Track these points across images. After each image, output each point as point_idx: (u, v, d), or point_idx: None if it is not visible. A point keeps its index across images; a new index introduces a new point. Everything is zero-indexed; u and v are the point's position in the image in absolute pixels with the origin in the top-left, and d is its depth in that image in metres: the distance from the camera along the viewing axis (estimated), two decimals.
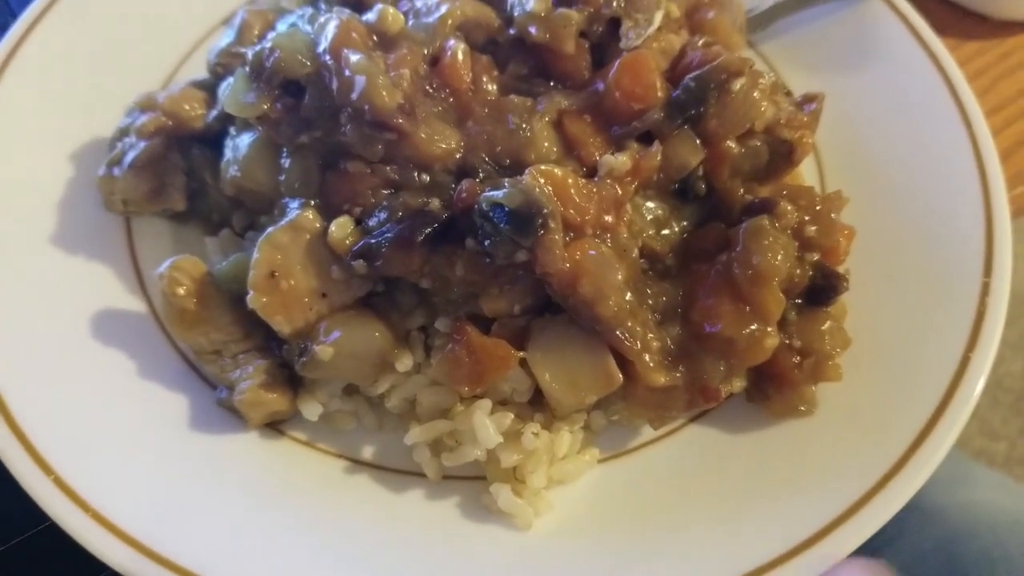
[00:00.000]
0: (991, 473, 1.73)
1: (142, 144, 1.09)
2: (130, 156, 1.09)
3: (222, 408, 1.01)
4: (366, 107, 0.93)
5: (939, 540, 1.32)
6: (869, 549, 0.90)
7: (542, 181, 0.91)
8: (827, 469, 0.97)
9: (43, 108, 1.18)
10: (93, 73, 1.22)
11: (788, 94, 1.13)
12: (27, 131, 1.15)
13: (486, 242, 0.90)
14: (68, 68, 1.22)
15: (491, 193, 0.90)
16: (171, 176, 1.11)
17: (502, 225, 0.88)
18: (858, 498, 0.92)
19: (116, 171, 1.10)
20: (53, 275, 1.07)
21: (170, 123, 1.11)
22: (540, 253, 0.89)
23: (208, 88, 1.15)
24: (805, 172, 1.19)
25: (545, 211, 0.88)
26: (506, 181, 0.91)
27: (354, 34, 0.98)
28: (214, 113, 1.11)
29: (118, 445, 0.96)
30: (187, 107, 1.12)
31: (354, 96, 0.94)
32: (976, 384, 0.98)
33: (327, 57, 0.96)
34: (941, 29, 1.51)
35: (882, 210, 1.16)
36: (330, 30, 0.97)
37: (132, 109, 1.15)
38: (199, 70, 1.24)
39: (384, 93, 0.93)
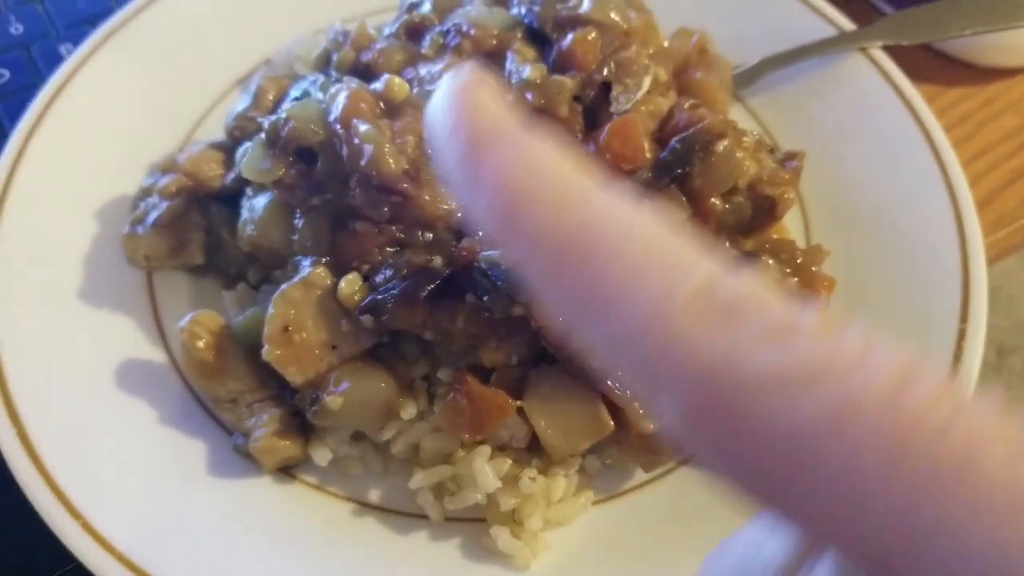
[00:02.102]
0: None
1: (164, 204, 1.16)
2: (153, 216, 1.16)
3: (238, 454, 1.07)
4: (374, 173, 1.00)
5: None
6: None
7: None
8: None
9: (70, 169, 1.25)
10: (116, 135, 1.30)
11: (772, 151, 1.19)
12: (56, 191, 1.23)
13: (485, 297, 0.96)
14: (93, 130, 1.29)
15: (488, 252, 0.96)
16: (191, 233, 1.18)
17: (499, 282, 0.94)
18: None
19: (139, 229, 1.17)
20: (80, 327, 1.14)
21: (190, 183, 1.18)
22: (535, 308, 0.95)
23: (225, 149, 1.22)
24: (791, 223, 1.25)
25: None
26: None
27: (363, 104, 1.05)
28: (232, 175, 1.18)
29: (141, 490, 1.02)
30: (206, 168, 1.19)
31: (363, 163, 1.01)
32: None
33: (338, 126, 1.03)
34: (928, 77, 1.58)
35: (863, 260, 1.21)
36: (340, 100, 1.04)
37: (153, 170, 1.23)
38: (215, 129, 1.32)
39: (390, 160, 1.00)
